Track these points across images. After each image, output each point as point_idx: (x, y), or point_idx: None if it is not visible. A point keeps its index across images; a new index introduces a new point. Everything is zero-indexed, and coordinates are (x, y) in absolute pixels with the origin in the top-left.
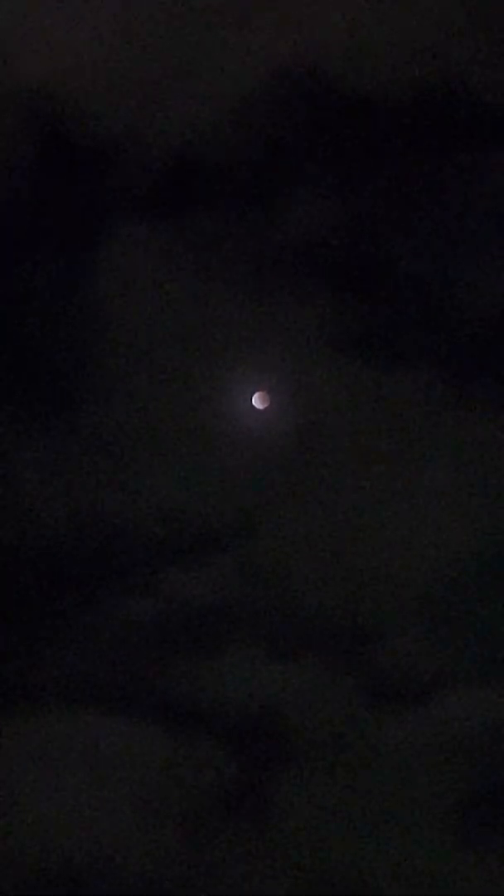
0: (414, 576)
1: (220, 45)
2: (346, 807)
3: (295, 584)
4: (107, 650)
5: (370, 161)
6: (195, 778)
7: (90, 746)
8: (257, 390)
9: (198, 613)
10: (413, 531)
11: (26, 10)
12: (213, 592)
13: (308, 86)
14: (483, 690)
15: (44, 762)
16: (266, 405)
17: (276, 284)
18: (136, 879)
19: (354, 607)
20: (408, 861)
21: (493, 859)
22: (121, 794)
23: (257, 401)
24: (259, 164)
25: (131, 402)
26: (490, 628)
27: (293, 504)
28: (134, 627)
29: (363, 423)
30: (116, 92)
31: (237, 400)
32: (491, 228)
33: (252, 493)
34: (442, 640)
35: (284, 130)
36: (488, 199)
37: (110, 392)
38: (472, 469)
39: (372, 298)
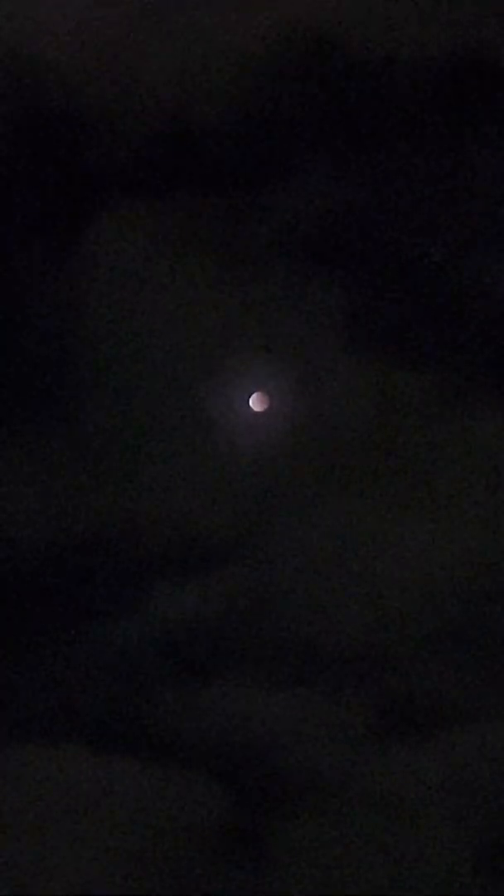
0: (428, 596)
1: (218, 6)
2: (350, 850)
3: (296, 604)
4: (88, 676)
5: (382, 137)
6: (186, 817)
7: (71, 783)
8: (255, 391)
9: (189, 636)
10: (427, 546)
11: None
12: (206, 613)
13: (314, 51)
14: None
15: (20, 802)
16: (265, 407)
17: (276, 274)
18: None
19: (362, 631)
20: None
21: None
22: (105, 834)
23: (255, 402)
24: (260, 138)
25: (117, 403)
26: None
27: (294, 515)
28: (118, 651)
29: (371, 426)
30: (104, 58)
31: (233, 401)
32: None
33: (249, 504)
34: (459, 667)
35: (288, 101)
36: None
37: (95, 392)
38: (495, 477)
39: (381, 290)
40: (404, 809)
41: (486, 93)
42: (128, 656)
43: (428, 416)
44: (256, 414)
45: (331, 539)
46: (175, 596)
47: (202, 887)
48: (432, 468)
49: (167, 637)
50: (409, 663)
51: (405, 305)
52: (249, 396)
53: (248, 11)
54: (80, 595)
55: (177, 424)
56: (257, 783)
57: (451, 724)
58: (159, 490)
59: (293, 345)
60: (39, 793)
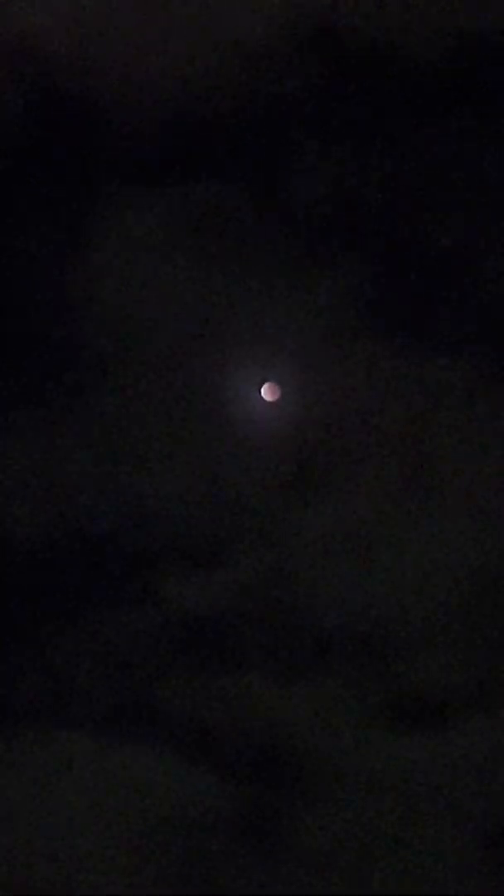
0: (439, 586)
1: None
2: (362, 839)
3: (308, 595)
4: (97, 667)
5: (393, 120)
6: (196, 808)
7: (80, 773)
8: (267, 380)
9: (200, 627)
10: (442, 539)
11: None
12: (217, 604)
13: (322, 38)
14: None
15: (29, 791)
16: (277, 397)
17: (288, 259)
18: None
19: (374, 622)
20: None
21: None
22: (115, 825)
23: (267, 392)
24: (268, 124)
25: (125, 392)
26: None
27: (305, 505)
28: (128, 642)
29: (388, 416)
30: (107, 48)
31: (244, 391)
32: None
33: (260, 495)
34: (470, 657)
35: (296, 87)
36: None
37: (102, 381)
38: None
39: (399, 273)
40: (414, 796)
41: (489, 79)
42: (137, 646)
43: (440, 404)
44: (268, 404)
45: (342, 529)
46: (186, 585)
47: (212, 878)
48: (444, 457)
49: (177, 626)
50: (418, 653)
51: (417, 293)
52: (261, 386)
53: (257, 3)
54: (90, 584)
55: (188, 414)
56: (266, 773)
57: (461, 715)
58: (171, 480)
59: (304, 334)
60: (47, 781)
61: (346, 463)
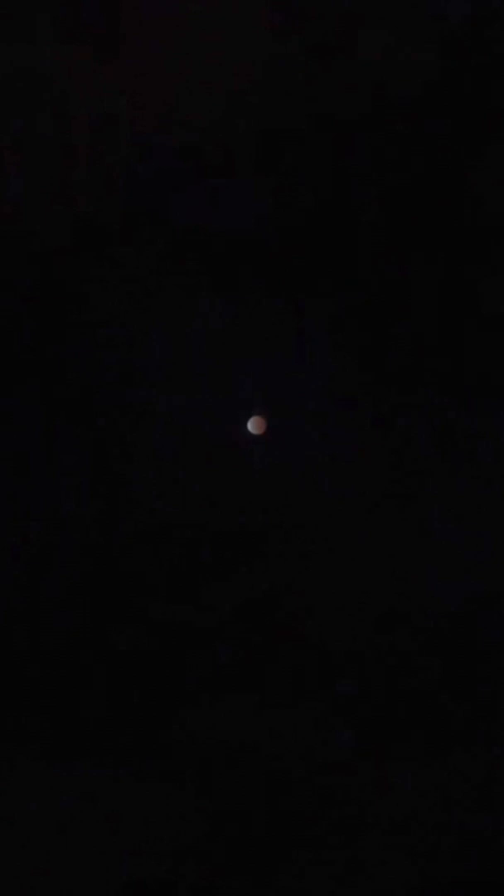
0: (435, 617)
1: (221, 27)
2: (356, 867)
3: (301, 621)
4: (87, 686)
5: (388, 156)
6: (189, 835)
7: (68, 797)
8: (253, 414)
9: (194, 651)
10: (428, 569)
11: None
12: (211, 628)
13: (321, 63)
14: None
15: (15, 816)
16: (262, 431)
17: (275, 296)
18: None
19: (368, 648)
20: None
21: None
22: (102, 850)
23: (253, 426)
24: (258, 152)
25: (119, 419)
26: None
27: (292, 538)
28: (114, 663)
29: (376, 451)
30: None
31: (231, 425)
32: None
33: (251, 523)
34: (461, 688)
35: (288, 118)
36: None
37: (94, 410)
38: (497, 495)
39: (386, 308)
40: (410, 829)
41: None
42: (125, 667)
43: (441, 441)
44: (254, 438)
45: (331, 561)
46: (178, 610)
47: None
48: (432, 488)
49: (171, 650)
50: (410, 684)
51: (408, 327)
52: (247, 420)
53: (252, 38)
54: (83, 607)
55: (173, 447)
56: (263, 797)
57: (453, 746)
58: (163, 504)
59: (292, 368)
60: (35, 807)
61: (332, 494)
